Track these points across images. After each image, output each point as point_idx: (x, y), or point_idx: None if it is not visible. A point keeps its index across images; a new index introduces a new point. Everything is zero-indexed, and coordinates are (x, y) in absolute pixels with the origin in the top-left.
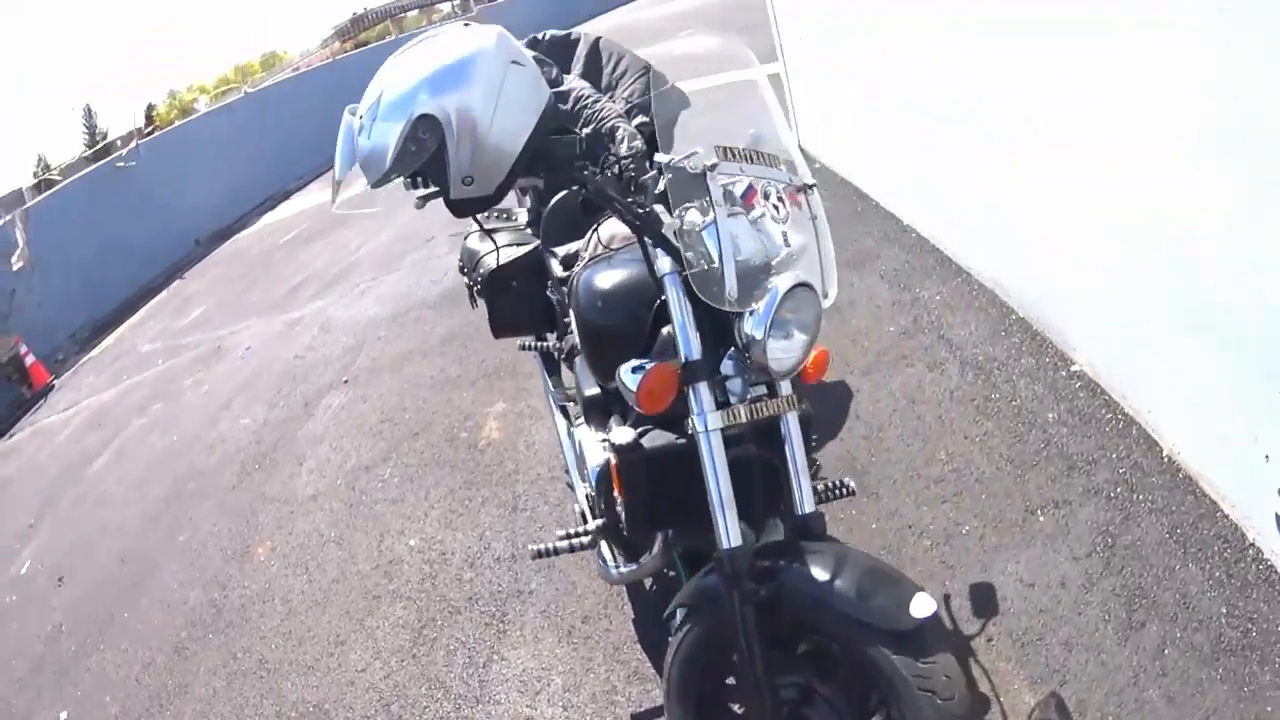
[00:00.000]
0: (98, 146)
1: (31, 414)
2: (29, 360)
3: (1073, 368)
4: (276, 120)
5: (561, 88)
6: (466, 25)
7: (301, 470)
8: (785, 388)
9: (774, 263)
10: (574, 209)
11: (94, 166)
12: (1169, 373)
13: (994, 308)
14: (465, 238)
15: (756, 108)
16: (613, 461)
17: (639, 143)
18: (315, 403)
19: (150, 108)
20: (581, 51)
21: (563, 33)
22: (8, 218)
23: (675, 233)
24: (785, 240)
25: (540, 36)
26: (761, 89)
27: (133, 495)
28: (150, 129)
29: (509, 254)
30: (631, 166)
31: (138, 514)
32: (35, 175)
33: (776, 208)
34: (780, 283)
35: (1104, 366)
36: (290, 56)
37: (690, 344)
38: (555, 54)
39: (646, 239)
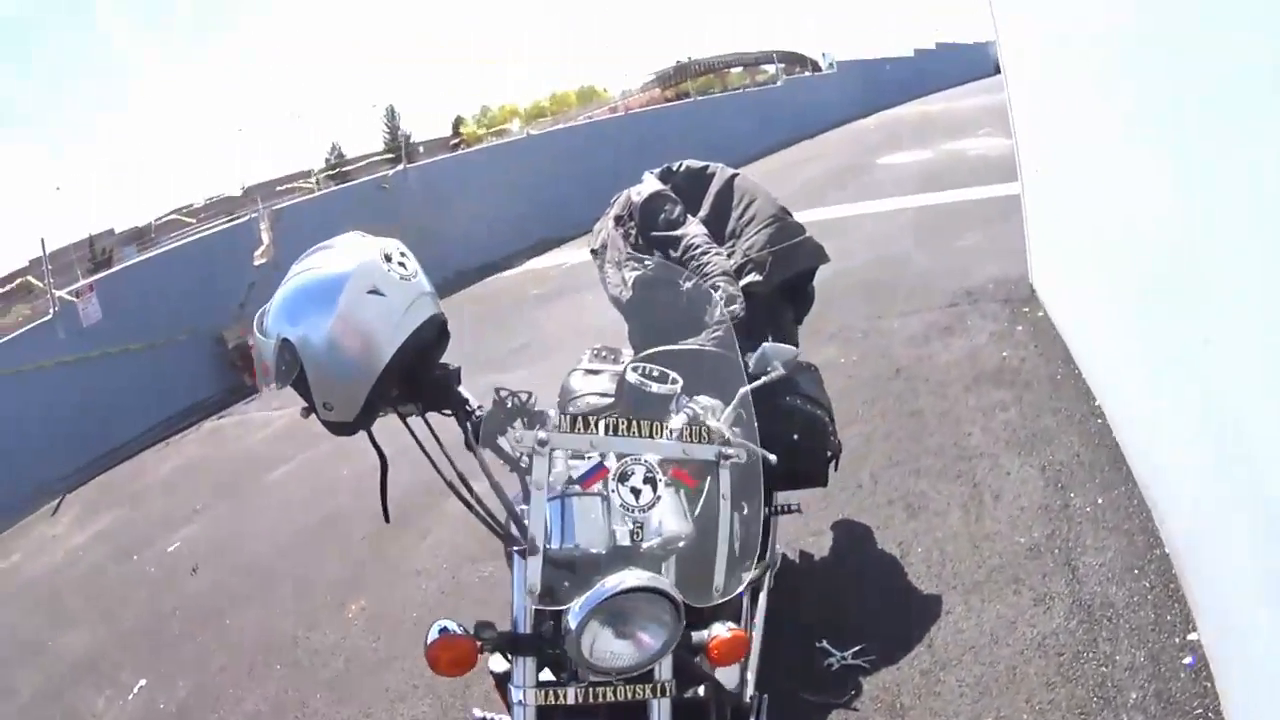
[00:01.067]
0: (396, 151)
1: (245, 403)
2: None
3: (1189, 636)
4: (570, 160)
5: (675, 231)
6: (362, 236)
7: (422, 544)
8: (663, 671)
9: (643, 549)
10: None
11: (356, 182)
12: (1272, 688)
13: (1142, 535)
14: (570, 372)
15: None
16: (491, 682)
17: (738, 307)
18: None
19: (458, 120)
20: (714, 189)
21: (700, 164)
22: (255, 213)
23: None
24: (635, 533)
25: (675, 167)
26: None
27: (290, 513)
28: (456, 140)
29: (588, 402)
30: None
31: (284, 533)
32: (327, 161)
33: (637, 491)
34: (618, 581)
35: (1219, 649)
36: (609, 95)
37: (521, 619)
38: (689, 186)
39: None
